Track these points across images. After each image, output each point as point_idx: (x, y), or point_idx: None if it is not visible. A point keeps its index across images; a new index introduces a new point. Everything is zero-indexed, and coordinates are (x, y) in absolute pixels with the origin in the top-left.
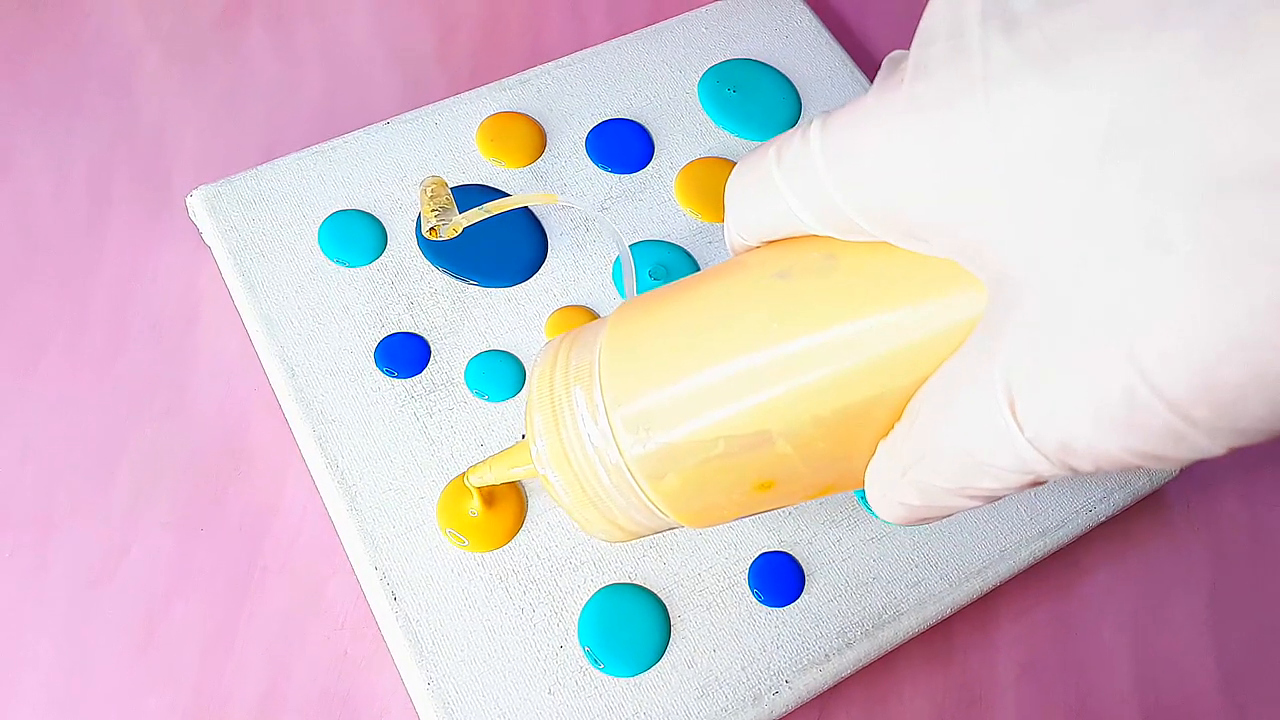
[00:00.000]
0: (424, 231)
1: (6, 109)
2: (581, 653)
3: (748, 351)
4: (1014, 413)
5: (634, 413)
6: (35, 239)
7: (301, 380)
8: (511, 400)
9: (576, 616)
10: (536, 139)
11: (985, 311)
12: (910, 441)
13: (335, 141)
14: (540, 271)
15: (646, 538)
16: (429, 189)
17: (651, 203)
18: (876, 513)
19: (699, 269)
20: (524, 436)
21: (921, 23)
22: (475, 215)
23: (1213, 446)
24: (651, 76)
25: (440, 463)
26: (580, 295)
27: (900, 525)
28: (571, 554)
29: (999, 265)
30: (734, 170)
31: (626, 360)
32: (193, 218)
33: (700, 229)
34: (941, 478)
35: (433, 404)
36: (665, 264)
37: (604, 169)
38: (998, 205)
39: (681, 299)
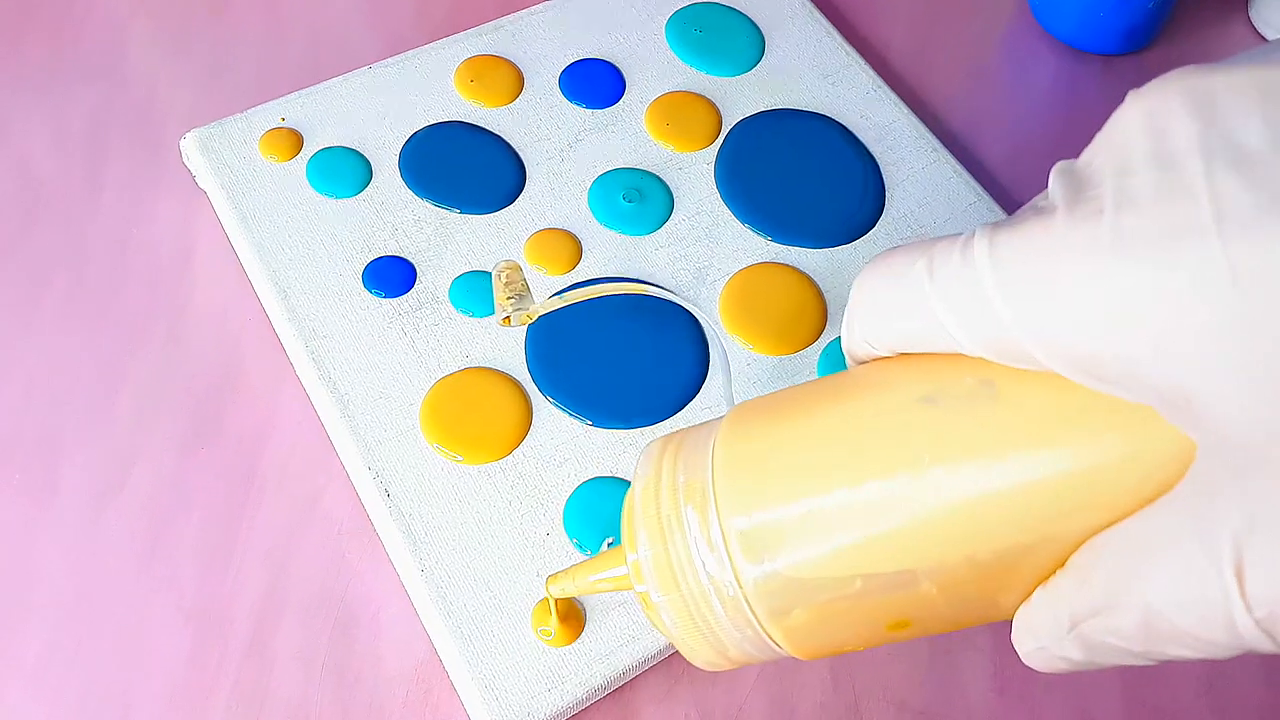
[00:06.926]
0: (498, 320)
1: (5, 81)
2: (567, 539)
3: (895, 483)
4: (1242, 591)
5: (755, 537)
6: (36, 190)
7: (294, 301)
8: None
9: (561, 507)
10: (513, 80)
11: (1196, 470)
12: (1085, 596)
13: (320, 85)
14: (520, 198)
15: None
16: (503, 275)
17: (624, 134)
18: (1027, 662)
19: (670, 194)
20: (610, 545)
21: (1104, 140)
22: (552, 304)
23: None
24: (621, 20)
25: (428, 372)
26: (558, 219)
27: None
28: (555, 453)
29: (1221, 427)
30: (863, 274)
31: (746, 478)
32: (186, 161)
33: (670, 157)
34: (1122, 638)
35: (419, 320)
36: (639, 187)
37: (578, 105)
38: (1230, 366)
39: (808, 414)
